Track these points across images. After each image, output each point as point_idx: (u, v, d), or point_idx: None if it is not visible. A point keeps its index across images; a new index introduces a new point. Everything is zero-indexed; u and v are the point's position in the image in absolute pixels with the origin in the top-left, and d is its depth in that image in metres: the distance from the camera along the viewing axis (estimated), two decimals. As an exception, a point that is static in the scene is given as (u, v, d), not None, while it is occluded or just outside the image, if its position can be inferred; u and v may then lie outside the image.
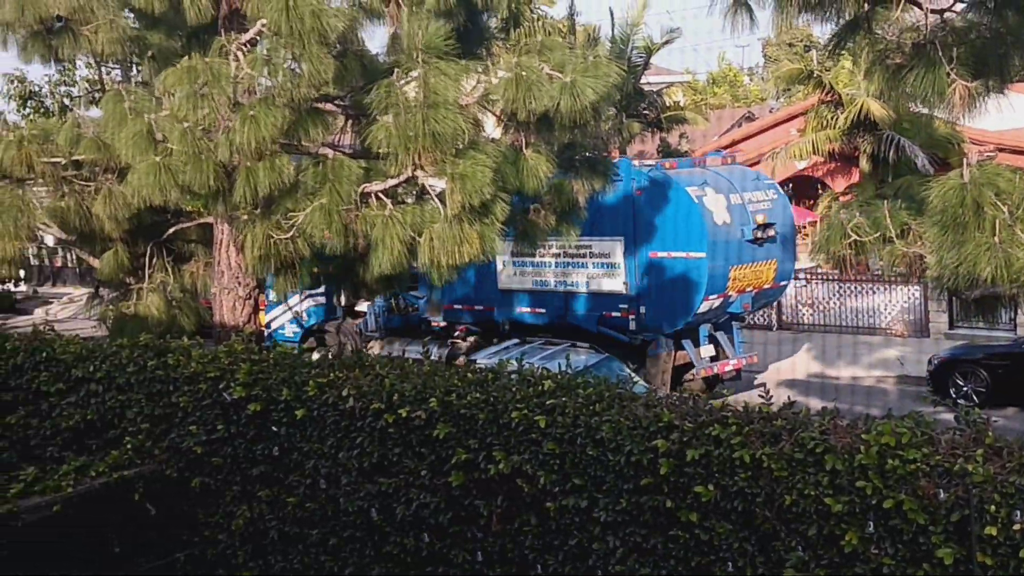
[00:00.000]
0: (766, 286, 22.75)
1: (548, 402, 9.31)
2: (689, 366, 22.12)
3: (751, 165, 38.10)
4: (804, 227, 40.40)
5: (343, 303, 25.53)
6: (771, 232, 22.07)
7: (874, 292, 29.35)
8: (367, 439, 10.17)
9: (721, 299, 21.66)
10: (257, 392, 10.80)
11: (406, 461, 9.96)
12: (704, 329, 22.35)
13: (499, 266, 22.42)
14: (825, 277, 29.75)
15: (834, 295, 29.97)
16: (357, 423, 10.22)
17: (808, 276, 30.26)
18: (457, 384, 9.90)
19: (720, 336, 22.71)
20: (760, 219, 21.92)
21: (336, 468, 10.39)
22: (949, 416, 8.77)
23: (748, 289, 22.16)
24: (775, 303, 29.85)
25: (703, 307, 21.36)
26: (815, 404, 9.60)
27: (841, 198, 34.41)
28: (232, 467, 11.03)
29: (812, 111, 36.69)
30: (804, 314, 30.23)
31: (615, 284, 21.93)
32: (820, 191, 40.27)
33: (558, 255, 22.03)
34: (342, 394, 10.29)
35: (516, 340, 21.06)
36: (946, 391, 21.23)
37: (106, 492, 10.91)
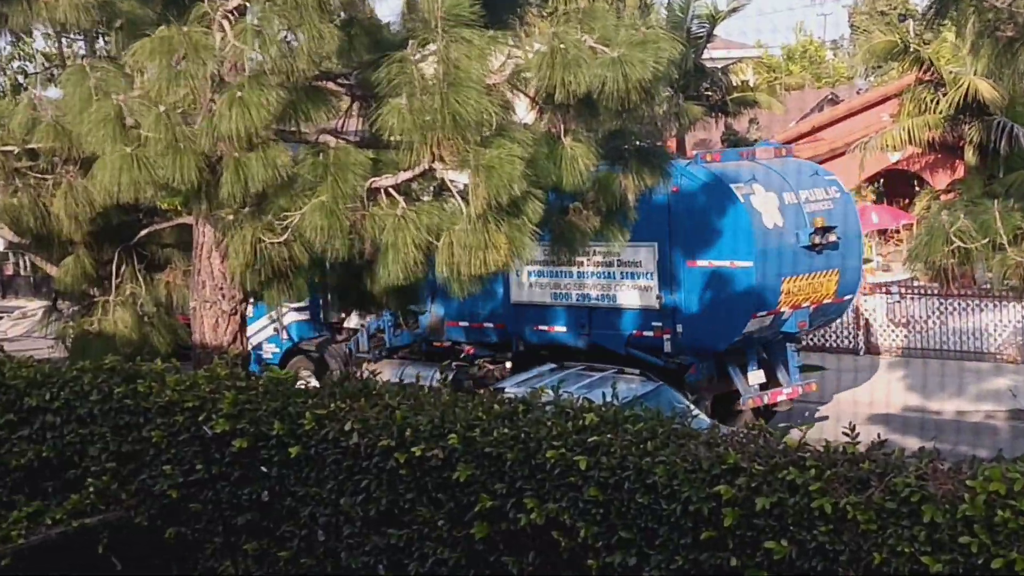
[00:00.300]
0: (826, 301, 22.71)
1: (590, 439, 9.30)
2: (734, 395, 22.08)
3: (835, 157, 38.17)
4: (898, 231, 40.33)
5: (330, 319, 25.67)
6: (832, 237, 22.06)
7: (982, 309, 29.20)
8: (374, 482, 10.18)
9: (772, 316, 21.65)
10: (244, 426, 10.83)
11: (420, 509, 9.96)
12: (752, 352, 22.30)
13: (512, 277, 22.47)
14: (922, 291, 29.62)
15: (933, 313, 29.83)
16: (362, 463, 10.23)
17: (902, 290, 30.14)
18: (481, 418, 9.90)
19: (772, 360, 22.67)
20: (819, 222, 21.90)
21: (337, 516, 10.41)
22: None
23: (804, 304, 22.14)
24: (862, 321, 29.75)
25: (751, 325, 21.35)
26: (911, 443, 9.56)
27: (942, 196, 34.30)
28: (213, 514, 11.06)
29: (908, 92, 36.58)
30: (897, 335, 30.09)
31: (647, 298, 21.97)
32: (917, 188, 40.15)
33: (581, 264, 22.07)
34: (345, 428, 10.31)
35: (552, 365, 21.09)
36: (1068, 429, 21.09)
37: (64, 543, 10.95)
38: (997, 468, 7.99)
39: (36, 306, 36.75)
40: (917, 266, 11.29)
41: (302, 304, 23.76)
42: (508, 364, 23.69)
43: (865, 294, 30.10)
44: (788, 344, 22.99)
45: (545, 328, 23.16)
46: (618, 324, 22.40)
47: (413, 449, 9.87)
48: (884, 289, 30.76)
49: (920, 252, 10.74)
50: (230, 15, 11.46)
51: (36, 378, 12.29)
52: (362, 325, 25.26)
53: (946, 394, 25.83)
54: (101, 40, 15.81)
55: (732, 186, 21.39)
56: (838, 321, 29.33)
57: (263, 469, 10.74)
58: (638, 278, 22.06)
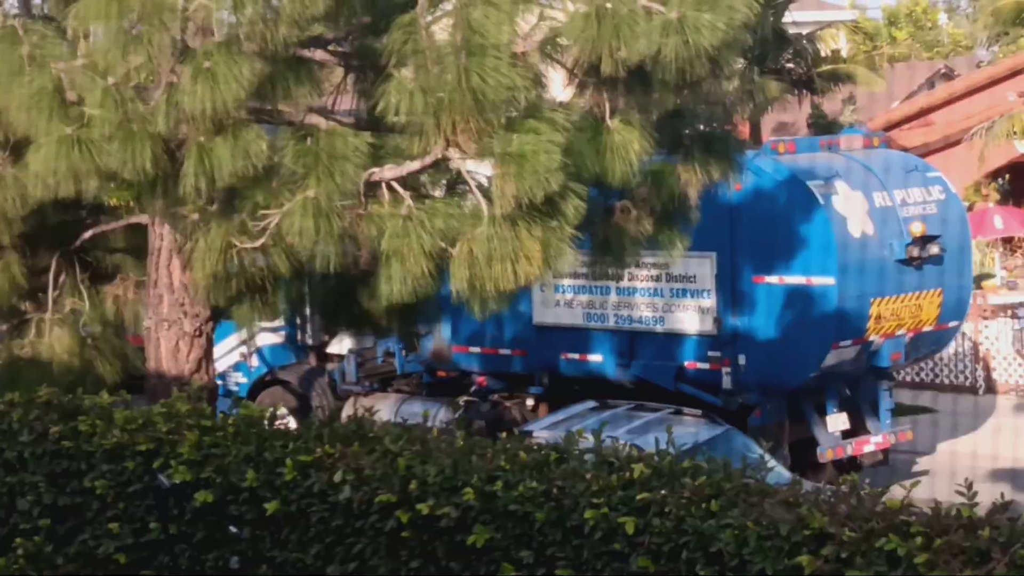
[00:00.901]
0: (926, 328, 22.67)
1: (639, 497, 9.31)
2: (811, 443, 22.05)
3: (948, 147, 38.13)
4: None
5: (311, 342, 25.69)
6: (934, 249, 22.05)
7: None
8: (370, 547, 10.20)
9: (859, 346, 21.64)
10: (209, 475, 10.87)
11: (427, 580, 9.99)
12: (833, 391, 22.29)
13: (535, 292, 22.46)
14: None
15: (1072, 342, 29.78)
16: (356, 523, 10.26)
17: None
18: (504, 468, 9.92)
19: (857, 401, 22.64)
20: (918, 229, 21.88)
21: (324, 589, 10.44)
22: None
23: (899, 332, 22.11)
24: (981, 353, 29.68)
25: (831, 358, 21.34)
26: (1042, 506, 9.52)
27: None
28: (171, 585, 11.11)
29: (1041, 65, 36.56)
30: (1027, 371, 30.05)
31: (703, 321, 21.97)
32: (1053, 186, 40.07)
33: (622, 278, 22.04)
34: (334, 480, 10.33)
35: (591, 404, 21.10)
36: None
37: (-15, 619, 11.00)
38: None
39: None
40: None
41: (277, 323, 23.76)
42: (530, 401, 23.69)
43: (985, 318, 30.01)
44: (879, 381, 22.94)
45: (577, 356, 23.16)
46: (666, 353, 22.39)
47: (419, 506, 9.89)
48: (1010, 312, 30.67)
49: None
50: (197, -33, 11.52)
51: (-47, 414, 12.35)
52: (351, 351, 25.26)
53: (1088, 444, 25.75)
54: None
55: (809, 184, 21.39)
56: (952, 352, 29.26)
57: (232, 529, 10.77)
58: (692, 296, 22.07)
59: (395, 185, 11.78)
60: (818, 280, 21.19)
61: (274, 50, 11.13)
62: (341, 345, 25.41)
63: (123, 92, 11.11)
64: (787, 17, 38.58)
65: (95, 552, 11.36)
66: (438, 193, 12.41)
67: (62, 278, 15.36)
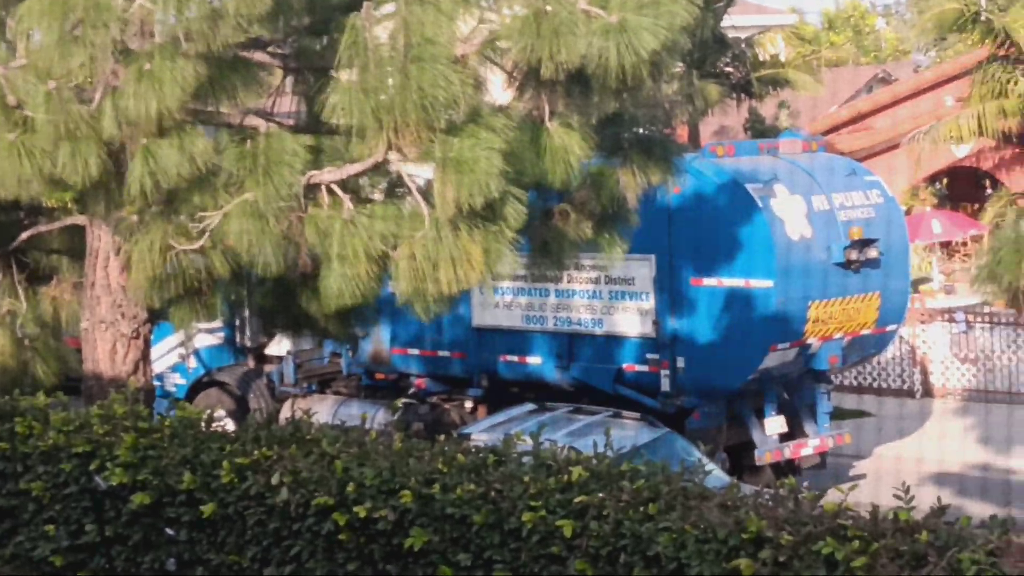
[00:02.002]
0: (864, 331, 22.81)
1: (577, 500, 9.34)
2: (749, 446, 22.16)
3: (886, 151, 38.38)
4: (964, 243, 40.54)
5: (250, 344, 25.62)
6: (872, 252, 22.18)
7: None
8: (307, 549, 10.21)
9: (796, 349, 21.76)
10: (146, 477, 10.85)
11: (366, 583, 10.00)
12: (772, 394, 22.41)
13: (475, 294, 22.48)
14: (995, 320, 29.75)
15: (1009, 346, 29.96)
16: (293, 525, 10.26)
17: (969, 318, 30.26)
18: (442, 471, 9.95)
19: (795, 404, 22.77)
20: (856, 233, 22.02)
21: (261, 592, 10.44)
22: None
23: (837, 335, 22.24)
24: (918, 356, 29.89)
25: (769, 360, 21.45)
26: (978, 510, 9.63)
27: (1021, 201, 34.48)
28: (107, 588, 11.08)
29: (978, 71, 36.77)
30: (962, 374, 30.22)
31: (641, 324, 22.04)
32: (989, 190, 40.35)
33: (560, 280, 22.11)
34: (271, 482, 10.34)
35: (530, 406, 21.13)
36: None
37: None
38: (1083, 542, 8.06)
39: None
40: (989, 288, 11.38)
41: (215, 325, 23.69)
42: (469, 403, 23.72)
43: (922, 322, 30.22)
44: (817, 384, 23.06)
45: (516, 359, 23.19)
46: (605, 355, 22.43)
47: (356, 509, 9.91)
48: (947, 316, 30.87)
49: (992, 270, 10.84)
50: (138, -32, 11.50)
51: None
52: (289, 352, 25.19)
53: (1023, 448, 25.92)
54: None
55: (748, 187, 21.48)
56: (889, 356, 29.44)
57: (169, 531, 10.75)
58: (631, 298, 22.13)
59: (335, 188, 11.78)
60: (756, 283, 21.27)
61: (215, 52, 11.13)
62: (280, 347, 25.34)
63: (64, 95, 11.08)
64: (726, 21, 38.70)
65: (31, 554, 11.33)
66: (378, 196, 12.41)
67: (-1, 279, 15.31)
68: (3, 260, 15.34)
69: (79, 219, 14.66)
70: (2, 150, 11.17)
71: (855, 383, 29.98)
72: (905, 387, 30.40)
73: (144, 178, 11.14)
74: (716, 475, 14.79)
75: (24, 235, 15.39)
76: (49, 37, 11.03)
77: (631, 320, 22.18)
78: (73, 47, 10.93)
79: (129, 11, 11.12)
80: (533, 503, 9.43)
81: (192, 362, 26.11)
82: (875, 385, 30.51)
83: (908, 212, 34.90)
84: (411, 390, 24.24)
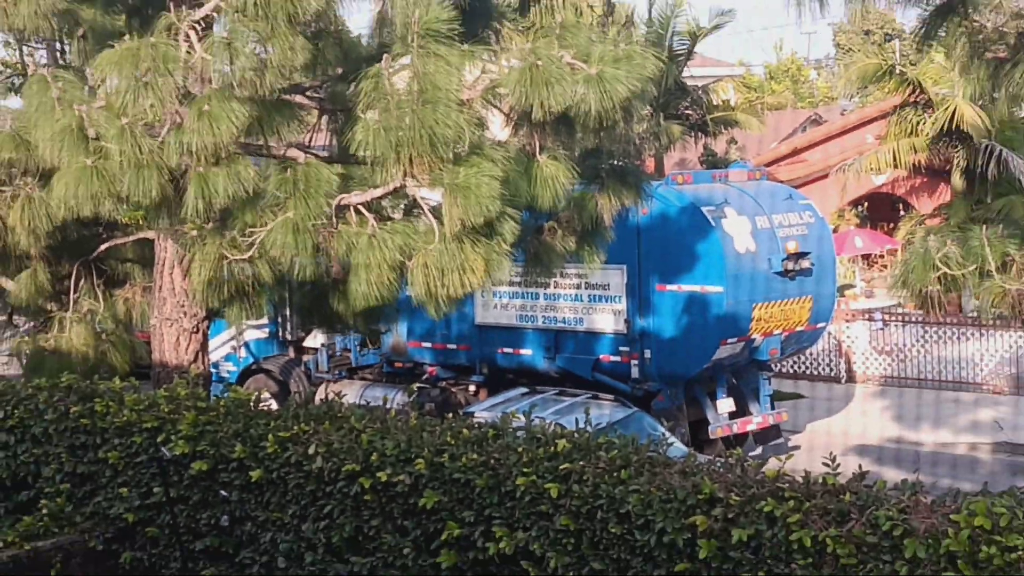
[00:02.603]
0: (799, 328, 22.83)
1: (562, 467, 9.32)
2: (704, 423, 22.15)
3: (817, 179, 38.32)
4: (882, 256, 40.53)
5: (290, 337, 25.61)
6: (805, 263, 22.19)
7: (968, 338, 29.32)
8: (338, 508, 10.18)
9: (743, 343, 21.76)
10: (203, 448, 10.83)
11: (385, 536, 9.97)
12: (723, 379, 22.41)
13: (477, 297, 22.51)
14: (907, 319, 29.74)
15: (918, 341, 29.94)
16: (326, 488, 10.24)
17: (886, 317, 30.25)
18: (450, 443, 9.92)
19: (742, 388, 22.76)
20: (792, 247, 22.04)
21: (299, 543, 10.40)
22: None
23: (776, 332, 22.24)
24: (843, 349, 29.88)
25: (721, 352, 21.47)
26: (892, 476, 9.59)
27: (928, 221, 34.45)
28: (171, 539, 11.05)
29: (894, 114, 36.76)
30: (880, 364, 30.20)
31: (615, 322, 22.06)
32: (902, 212, 40.34)
33: (548, 286, 22.15)
34: (308, 452, 10.31)
35: (522, 390, 21.10)
36: (1055, 462, 21.19)
37: (15, 568, 10.91)
38: (982, 502, 8.03)
39: (-11, 321, 36.63)
40: (902, 292, 11.35)
41: (262, 321, 23.68)
42: (472, 387, 23.71)
43: (847, 321, 30.22)
44: (760, 372, 23.07)
45: (511, 351, 23.21)
46: (585, 348, 22.46)
47: (379, 474, 9.89)
48: (867, 316, 30.86)
49: (905, 278, 10.80)
50: (197, 26, 11.46)
51: (-11, 396, 12.25)
52: (323, 344, 25.16)
53: (929, 425, 25.92)
54: (64, 49, 15.76)
55: (703, 209, 21.50)
56: (820, 348, 29.45)
57: (223, 493, 10.73)
58: (606, 301, 22.15)
59: (361, 208, 11.76)
60: (710, 288, 21.28)
61: (262, 95, 11.10)
62: (316, 340, 25.33)
63: (135, 130, 11.04)
64: (686, 72, 38.72)
65: (108, 512, 11.30)
66: (397, 215, 12.39)
67: (81, 283, 15.26)
68: (85, 267, 15.30)
69: (148, 233, 14.62)
70: (82, 173, 11.13)
71: (791, 371, 29.97)
72: (832, 374, 30.38)
73: (198, 200, 11.10)
74: (677, 447, 14.77)
75: (103, 247, 15.35)
76: (123, 82, 11.00)
77: (606, 319, 22.18)
78: (143, 91, 10.90)
79: (190, 61, 11.10)
80: (526, 469, 9.41)
81: (242, 353, 26.10)
82: (808, 372, 30.50)
83: (835, 230, 34.90)
84: (424, 376, 24.22)
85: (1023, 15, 10.08)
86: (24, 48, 22.53)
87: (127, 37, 11.34)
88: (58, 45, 15.74)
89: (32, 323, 16.04)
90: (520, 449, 9.65)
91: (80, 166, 11.21)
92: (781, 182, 27.99)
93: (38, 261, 15.05)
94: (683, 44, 37.54)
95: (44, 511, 11.35)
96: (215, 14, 11.56)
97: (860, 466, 9.06)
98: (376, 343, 24.99)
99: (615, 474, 9.17)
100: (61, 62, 15.38)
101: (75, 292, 15.18)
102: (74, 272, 15.23)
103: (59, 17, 12.99)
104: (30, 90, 11.90)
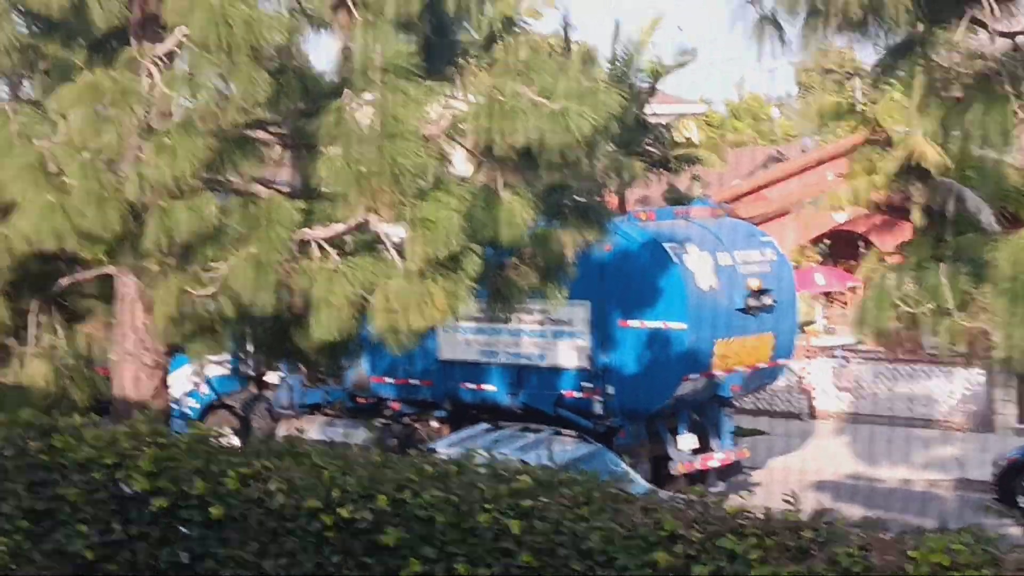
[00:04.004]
0: (761, 364, 22.93)
1: (524, 503, 9.29)
2: (666, 459, 22.15)
3: (779, 216, 38.50)
4: (843, 293, 40.70)
5: (252, 373, 25.50)
6: (767, 300, 22.30)
7: (928, 376, 29.46)
8: (299, 545, 10.11)
9: (705, 379, 21.84)
10: (164, 484, 10.74)
11: (347, 573, 9.90)
12: (685, 415, 22.42)
13: (440, 332, 22.49)
14: (868, 356, 29.85)
15: (879, 378, 30.06)
16: (287, 524, 10.17)
17: (847, 354, 30.36)
18: (412, 479, 9.88)
19: (705, 424, 22.80)
20: (754, 284, 22.16)
21: (260, 580, 10.33)
22: (1018, 531, 8.79)
23: (738, 368, 22.33)
24: (805, 385, 29.97)
25: (683, 388, 21.53)
26: (853, 512, 9.60)
27: (888, 259, 34.61)
28: (130, 576, 10.95)
29: (854, 152, 37.00)
30: (841, 400, 30.29)
31: (578, 358, 22.07)
32: (863, 250, 40.52)
33: (511, 321, 22.14)
34: (269, 488, 10.25)
35: (485, 426, 21.08)
36: (1014, 499, 21.27)
37: (-28, 606, 10.80)
38: (941, 539, 8.06)
39: (-51, 357, 36.35)
40: (863, 329, 11.40)
41: (223, 357, 23.57)
42: (435, 423, 23.67)
43: (808, 357, 30.31)
44: (722, 408, 23.11)
45: (474, 386, 23.20)
46: (548, 384, 22.47)
47: (340, 510, 9.83)
48: (828, 352, 30.97)
49: (866, 316, 10.85)
50: (159, 60, 11.46)
51: (-54, 432, 12.13)
52: (282, 379, 25.07)
53: (891, 461, 26.00)
54: (25, 83, 15.72)
55: (666, 246, 21.60)
56: (782, 385, 29.52)
57: (183, 530, 10.64)
58: (569, 337, 22.18)
59: (324, 244, 11.76)
60: (672, 324, 21.34)
61: (224, 130, 11.10)
62: (277, 377, 25.23)
63: (96, 165, 11.02)
64: (648, 109, 38.87)
65: (66, 549, 11.19)
66: (359, 251, 12.38)
67: (42, 318, 15.18)
68: (46, 302, 15.22)
69: (110, 269, 14.56)
70: (43, 208, 11.10)
71: (753, 407, 30.03)
72: (794, 410, 30.46)
73: (159, 234, 11.09)
74: (639, 483, 14.76)
75: (64, 282, 15.28)
76: (84, 116, 10.98)
77: (569, 355, 22.21)
78: (104, 125, 10.88)
79: (152, 95, 11.09)
80: (488, 506, 9.37)
81: (204, 388, 25.96)
82: (769, 408, 30.57)
83: (797, 267, 34.98)
84: (387, 412, 24.16)
85: (980, 55, 10.17)
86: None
87: (88, 71, 11.34)
88: (18, 80, 15.68)
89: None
90: (483, 485, 9.61)
91: (43, 202, 11.17)
92: (743, 219, 28.14)
93: (-3, 296, 14.98)
94: (645, 81, 37.71)
95: (2, 548, 11.23)
96: (177, 49, 11.56)
97: (820, 503, 9.08)
98: (323, 380, 24.94)
99: (577, 510, 9.14)
100: (22, 96, 15.34)
101: (36, 327, 15.10)
102: (35, 307, 15.15)
103: (20, 52, 12.98)
104: (-10, 124, 11.86)
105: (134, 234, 11.42)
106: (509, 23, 16.08)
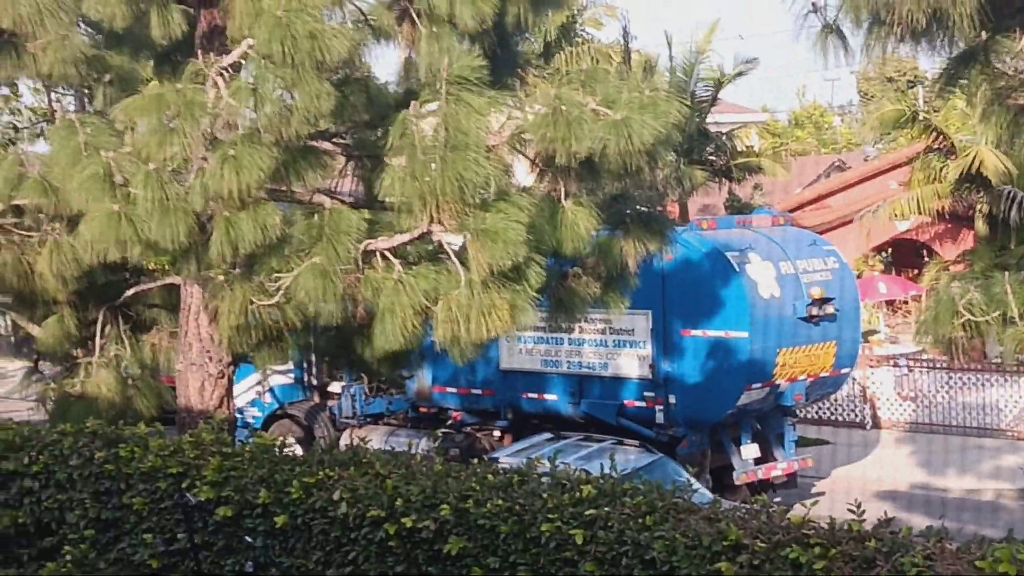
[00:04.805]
0: (823, 373, 22.74)
1: (587, 512, 9.28)
2: (729, 469, 22.04)
3: (841, 225, 38.29)
4: (906, 302, 40.41)
5: (315, 382, 25.61)
6: (829, 309, 22.11)
7: (992, 384, 29.18)
8: (363, 554, 10.14)
9: (767, 388, 21.68)
10: (228, 493, 10.81)
11: (410, 582, 9.93)
12: (747, 425, 22.32)
13: (502, 342, 22.50)
14: (931, 365, 29.63)
15: (943, 387, 29.80)
16: (351, 534, 10.21)
17: (910, 363, 30.13)
18: (475, 488, 9.89)
19: (767, 433, 22.68)
20: (816, 293, 21.98)
21: (324, 589, 10.37)
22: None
23: (801, 377, 22.17)
24: (868, 395, 29.78)
25: (745, 398, 21.38)
26: (917, 522, 9.54)
27: (952, 267, 34.34)
28: (196, 585, 11.02)
29: (917, 161, 36.74)
30: (904, 409, 30.06)
31: (640, 367, 22.00)
32: (926, 258, 40.23)
33: (573, 331, 22.11)
34: (333, 498, 10.29)
35: (547, 435, 21.05)
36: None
37: (40, 613, 10.91)
38: (1007, 549, 7.98)
39: (16, 367, 36.71)
40: (926, 339, 11.31)
41: (287, 366, 23.69)
42: (497, 432, 23.67)
43: (871, 367, 30.11)
44: (784, 417, 22.99)
45: (536, 396, 23.16)
46: (610, 393, 22.39)
47: (403, 520, 9.85)
48: (891, 362, 30.75)
49: (929, 324, 10.76)
50: (224, 72, 11.53)
51: (14, 441, 12.28)
52: (344, 388, 25.16)
53: (955, 471, 25.77)
54: (91, 95, 15.88)
55: (728, 255, 21.49)
56: (844, 394, 29.34)
57: (248, 539, 10.70)
58: (631, 346, 22.10)
59: (387, 254, 11.79)
60: (734, 334, 21.22)
61: (288, 141, 11.15)
62: (339, 386, 25.33)
63: (162, 175, 11.10)
64: (710, 118, 38.77)
65: (132, 558, 11.28)
66: (423, 261, 12.40)
67: (108, 329, 15.31)
68: (112, 313, 15.35)
69: (175, 279, 14.67)
70: (109, 217, 11.19)
71: (816, 416, 29.86)
72: (857, 420, 30.25)
73: (224, 245, 11.15)
74: (701, 493, 14.69)
75: (129, 292, 15.41)
76: (149, 128, 11.06)
77: (631, 364, 22.13)
78: (169, 136, 10.96)
79: (217, 107, 11.17)
80: (551, 515, 9.37)
81: (268, 398, 26.09)
82: (832, 418, 30.38)
83: (859, 276, 34.82)
84: (449, 422, 24.19)
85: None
86: (52, 94, 22.72)
87: (155, 83, 11.43)
88: (85, 91, 15.85)
89: (58, 368, 16.08)
90: (545, 495, 9.61)
91: (108, 211, 11.27)
92: (805, 228, 27.97)
93: (65, 306, 15.11)
94: (707, 90, 37.60)
95: (68, 557, 11.34)
96: (242, 61, 11.63)
97: (885, 512, 9.02)
98: (385, 390, 25.00)
99: (640, 520, 9.12)
100: (88, 108, 15.50)
101: (102, 337, 15.22)
102: (101, 317, 15.27)
103: (87, 64, 13.11)
104: (57, 135, 11.98)
105: (199, 244, 11.50)
106: (569, 33, 16.08)
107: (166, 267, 15.72)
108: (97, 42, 13.91)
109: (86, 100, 16.44)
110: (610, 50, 39.43)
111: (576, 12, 39.31)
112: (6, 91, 34.82)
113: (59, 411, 14.66)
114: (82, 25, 13.56)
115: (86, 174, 11.35)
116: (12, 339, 46.46)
